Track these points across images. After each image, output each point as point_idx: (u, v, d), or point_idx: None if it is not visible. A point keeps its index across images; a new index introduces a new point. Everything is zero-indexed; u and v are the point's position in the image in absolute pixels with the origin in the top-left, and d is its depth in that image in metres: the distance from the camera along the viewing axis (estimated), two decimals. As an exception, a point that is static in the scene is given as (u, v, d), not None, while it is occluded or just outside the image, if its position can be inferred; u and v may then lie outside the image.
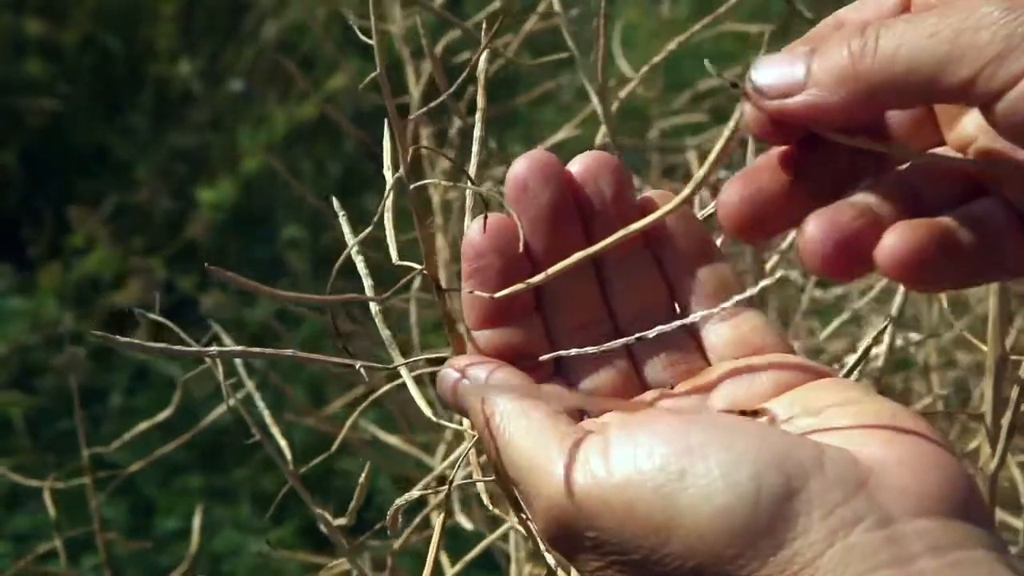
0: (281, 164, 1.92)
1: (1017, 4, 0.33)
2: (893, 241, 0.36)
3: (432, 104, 0.46)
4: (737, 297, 0.43)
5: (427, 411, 0.46)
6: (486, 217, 0.42)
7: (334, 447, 0.54)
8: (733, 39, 1.08)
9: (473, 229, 0.43)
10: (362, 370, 0.42)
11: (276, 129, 1.99)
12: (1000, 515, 0.72)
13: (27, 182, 1.94)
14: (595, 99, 0.59)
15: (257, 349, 0.41)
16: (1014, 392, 0.56)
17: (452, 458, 0.51)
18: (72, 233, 1.81)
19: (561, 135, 0.78)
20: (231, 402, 0.53)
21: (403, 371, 0.45)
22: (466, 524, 0.68)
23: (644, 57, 0.68)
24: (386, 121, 0.43)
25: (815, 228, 0.36)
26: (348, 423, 0.52)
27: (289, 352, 0.41)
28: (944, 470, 0.36)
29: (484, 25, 0.47)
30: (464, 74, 0.44)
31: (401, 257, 0.44)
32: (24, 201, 1.90)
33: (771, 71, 0.37)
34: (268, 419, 0.55)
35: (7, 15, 2.03)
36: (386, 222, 0.43)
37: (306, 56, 2.07)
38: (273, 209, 1.94)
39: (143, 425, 0.71)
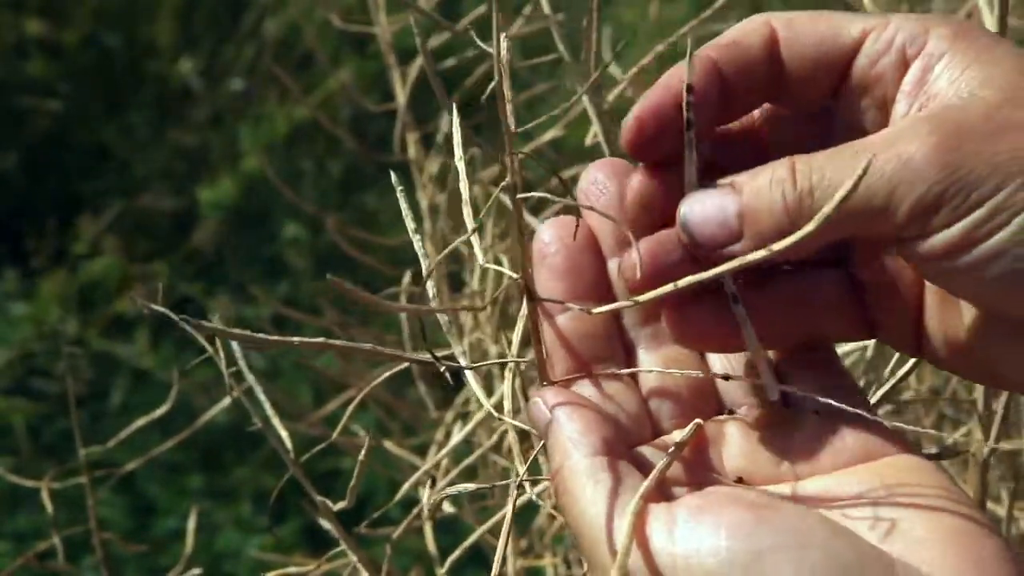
0: (281, 163, 1.92)
1: (945, 153, 0.35)
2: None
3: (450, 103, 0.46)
4: None
5: (489, 407, 0.46)
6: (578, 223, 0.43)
7: (332, 438, 0.54)
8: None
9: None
10: (446, 372, 0.42)
11: (276, 128, 1.99)
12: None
13: (28, 183, 1.94)
14: (586, 100, 0.60)
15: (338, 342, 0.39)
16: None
17: (439, 456, 0.51)
18: (76, 239, 1.81)
19: (550, 135, 0.79)
20: (234, 393, 0.53)
21: (469, 375, 0.45)
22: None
23: (641, 58, 0.68)
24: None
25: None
26: (343, 422, 0.52)
27: (368, 346, 0.40)
28: None
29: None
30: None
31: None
32: (26, 203, 1.91)
33: (702, 216, 0.39)
34: (269, 410, 0.55)
35: (8, 15, 2.03)
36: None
37: (306, 55, 2.07)
38: (273, 208, 1.94)
39: (140, 421, 0.71)
